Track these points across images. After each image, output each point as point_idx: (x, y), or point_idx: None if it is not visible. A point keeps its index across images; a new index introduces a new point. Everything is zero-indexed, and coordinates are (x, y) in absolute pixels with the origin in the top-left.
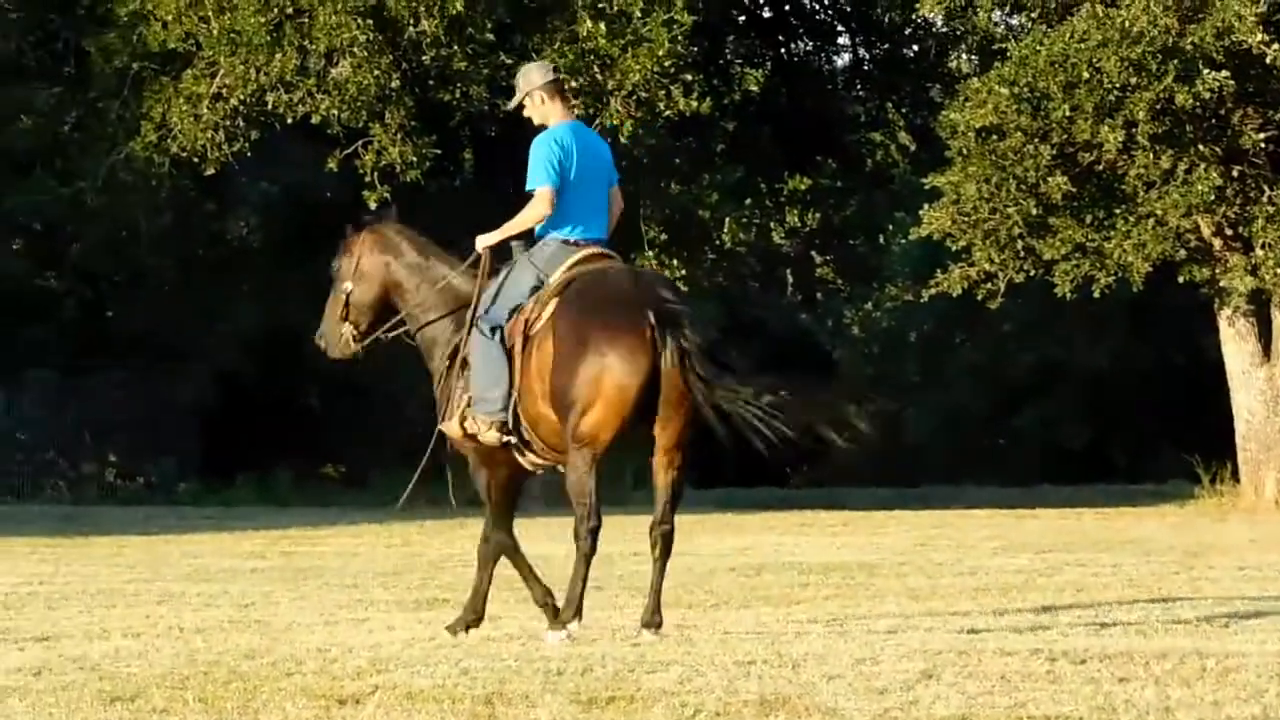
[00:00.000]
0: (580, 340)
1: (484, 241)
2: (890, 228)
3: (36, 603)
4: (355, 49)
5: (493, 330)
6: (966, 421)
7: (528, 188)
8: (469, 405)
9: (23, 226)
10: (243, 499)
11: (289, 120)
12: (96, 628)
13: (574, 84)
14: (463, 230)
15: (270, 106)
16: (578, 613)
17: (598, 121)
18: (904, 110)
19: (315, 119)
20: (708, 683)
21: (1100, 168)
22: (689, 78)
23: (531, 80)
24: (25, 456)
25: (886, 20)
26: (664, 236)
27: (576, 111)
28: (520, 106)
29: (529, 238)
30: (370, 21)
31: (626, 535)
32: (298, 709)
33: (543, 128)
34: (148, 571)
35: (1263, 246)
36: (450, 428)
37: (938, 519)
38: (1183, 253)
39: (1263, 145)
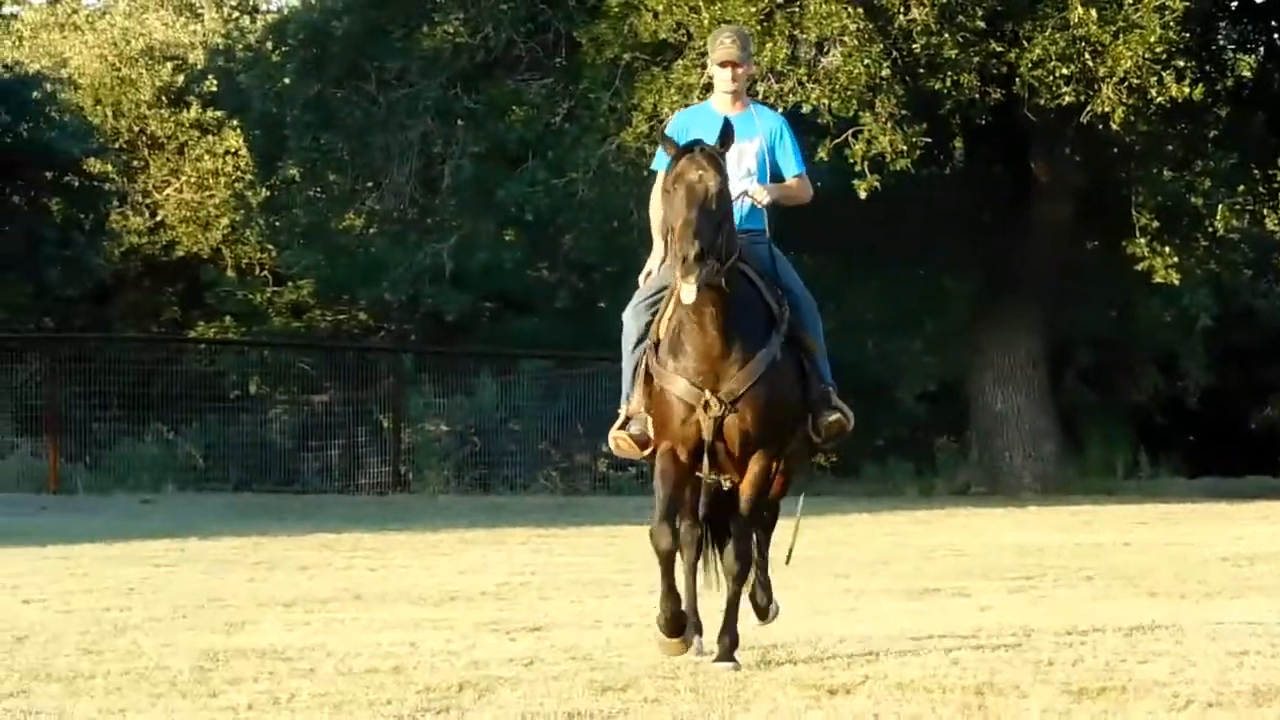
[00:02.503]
0: None
1: (766, 195)
2: None
3: (529, 593)
4: (846, 38)
5: None
6: None
7: (799, 171)
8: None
9: (515, 218)
10: None
11: (779, 109)
12: (589, 618)
13: (1064, 71)
14: (952, 218)
15: (761, 96)
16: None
17: (1089, 109)
18: None
19: (805, 108)
20: (1200, 673)
21: None
22: (1181, 64)
23: (751, 50)
24: (519, 447)
25: None
26: (1156, 224)
27: None
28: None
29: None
30: (861, 10)
31: (1118, 524)
32: (788, 699)
33: (702, 92)
34: (640, 562)
35: None
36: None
37: None
38: None
39: None
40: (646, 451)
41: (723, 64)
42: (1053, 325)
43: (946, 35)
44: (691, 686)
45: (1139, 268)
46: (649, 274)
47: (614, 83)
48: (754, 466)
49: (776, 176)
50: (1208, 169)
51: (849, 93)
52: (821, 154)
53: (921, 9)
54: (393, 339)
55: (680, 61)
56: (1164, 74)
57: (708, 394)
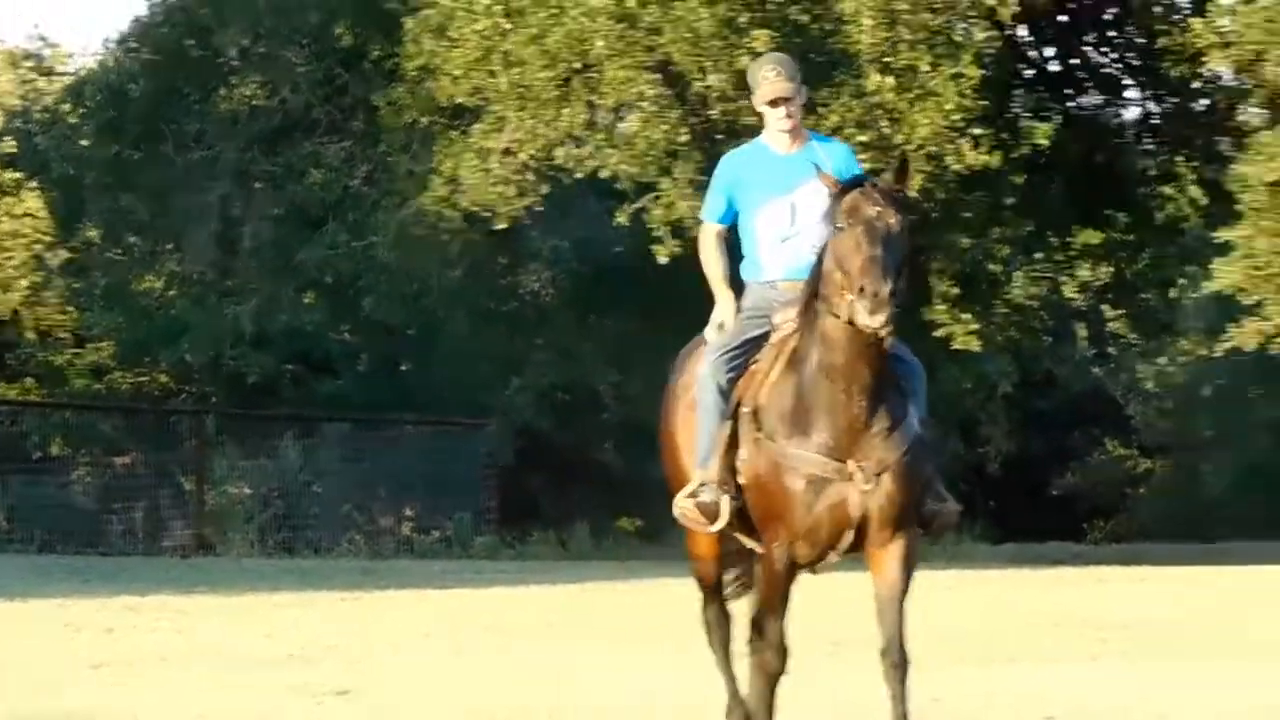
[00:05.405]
0: None
1: None
2: (1182, 281)
3: (336, 656)
4: (643, 104)
5: None
6: (1266, 476)
7: None
8: None
9: (315, 280)
10: (539, 553)
11: (578, 174)
12: (396, 681)
13: (862, 139)
14: None
15: (559, 161)
16: None
17: (884, 175)
18: (1194, 164)
19: (604, 173)
20: None
21: None
22: (977, 132)
23: (798, 75)
24: (322, 510)
25: (1175, 74)
26: (955, 290)
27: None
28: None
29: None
30: (658, 76)
31: (921, 589)
32: None
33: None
34: (444, 625)
35: None
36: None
37: (1240, 575)
38: None
39: None
40: (714, 527)
41: (773, 103)
42: None
43: (743, 102)
44: None
45: (938, 334)
46: (721, 325)
47: (412, 146)
48: (899, 546)
49: None
50: (1005, 236)
51: (647, 158)
52: (621, 219)
53: (718, 75)
54: (195, 401)
55: (478, 125)
56: (961, 142)
57: (852, 465)
